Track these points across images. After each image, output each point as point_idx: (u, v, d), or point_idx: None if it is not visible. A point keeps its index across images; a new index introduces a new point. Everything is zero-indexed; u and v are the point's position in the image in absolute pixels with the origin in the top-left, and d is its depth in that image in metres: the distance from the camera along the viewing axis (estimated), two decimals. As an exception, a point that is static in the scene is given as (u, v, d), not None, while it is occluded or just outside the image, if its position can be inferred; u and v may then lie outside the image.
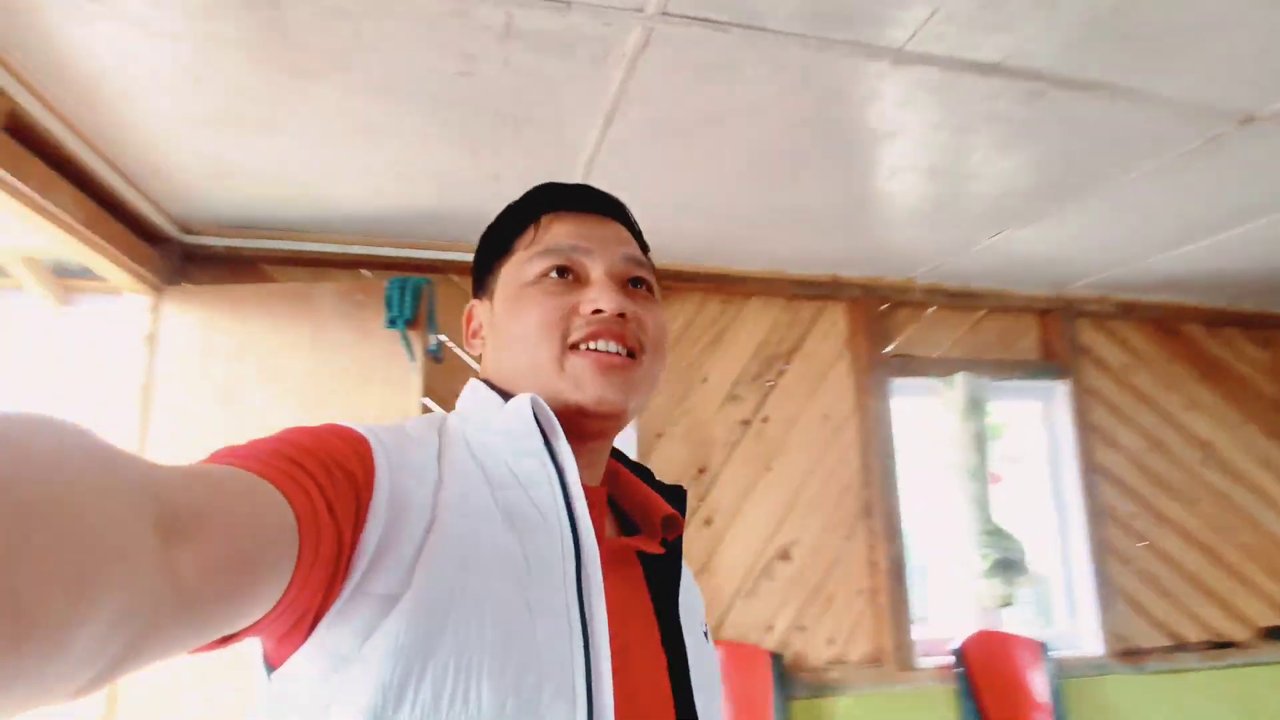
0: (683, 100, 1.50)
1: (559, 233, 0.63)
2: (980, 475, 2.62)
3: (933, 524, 2.89)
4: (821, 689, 2.38)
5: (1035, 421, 2.94)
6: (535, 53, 1.33)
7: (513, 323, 0.61)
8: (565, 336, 0.59)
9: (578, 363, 0.58)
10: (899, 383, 2.72)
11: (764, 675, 2.28)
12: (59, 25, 1.24)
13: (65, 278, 2.72)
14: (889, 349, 2.75)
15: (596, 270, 0.62)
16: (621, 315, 0.60)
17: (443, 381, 2.32)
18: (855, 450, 2.64)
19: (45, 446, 0.27)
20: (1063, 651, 2.55)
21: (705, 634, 0.67)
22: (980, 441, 2.64)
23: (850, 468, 2.63)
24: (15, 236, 2.07)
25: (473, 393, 0.63)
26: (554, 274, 0.61)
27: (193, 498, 0.34)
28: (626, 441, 2.40)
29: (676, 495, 0.68)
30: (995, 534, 2.57)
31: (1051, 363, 2.86)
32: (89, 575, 0.26)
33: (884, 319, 2.76)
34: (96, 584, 0.27)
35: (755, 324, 2.67)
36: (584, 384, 0.58)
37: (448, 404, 2.36)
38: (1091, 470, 2.76)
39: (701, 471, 2.51)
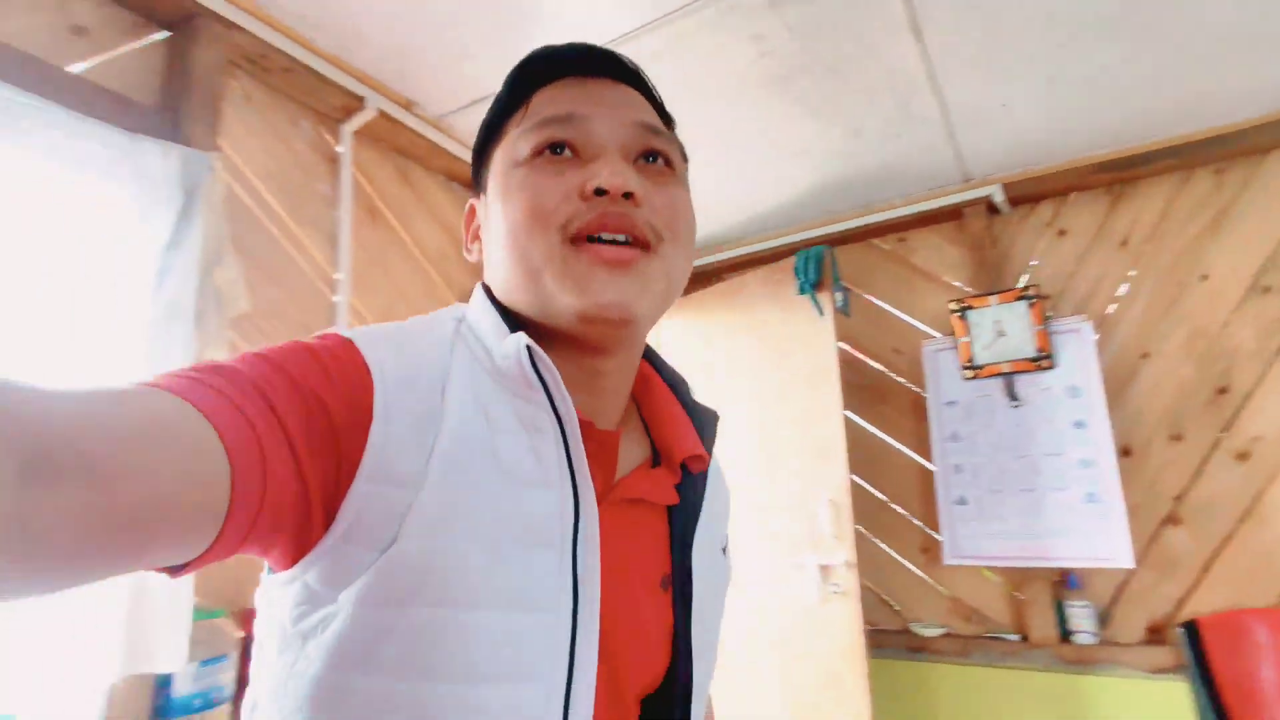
0: (973, -31, 1.41)
1: (555, 100, 0.53)
2: None
3: None
4: None
5: None
6: (804, 3, 1.49)
7: (502, 215, 0.51)
8: (565, 226, 0.49)
9: (579, 259, 0.49)
10: None
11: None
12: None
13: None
14: None
15: (600, 140, 0.51)
16: (628, 195, 0.49)
17: (852, 328, 2.49)
18: None
19: None
20: None
21: (724, 549, 0.63)
22: None
23: None
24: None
25: (479, 307, 0.54)
26: (548, 150, 0.51)
27: (81, 434, 0.30)
28: (1088, 364, 2.07)
29: (708, 418, 0.61)
30: None
31: None
32: None
33: None
34: None
35: (1280, 187, 1.96)
36: (586, 285, 0.48)
37: (860, 345, 2.49)
38: None
39: (1221, 392, 1.95)
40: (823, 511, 2.09)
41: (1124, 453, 2.02)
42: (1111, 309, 2.13)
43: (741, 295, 2.50)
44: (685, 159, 0.58)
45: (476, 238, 0.59)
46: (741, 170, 2.18)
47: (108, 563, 0.31)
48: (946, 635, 2.17)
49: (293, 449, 0.39)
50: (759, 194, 2.35)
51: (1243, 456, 1.90)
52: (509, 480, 0.46)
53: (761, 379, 2.38)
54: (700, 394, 0.63)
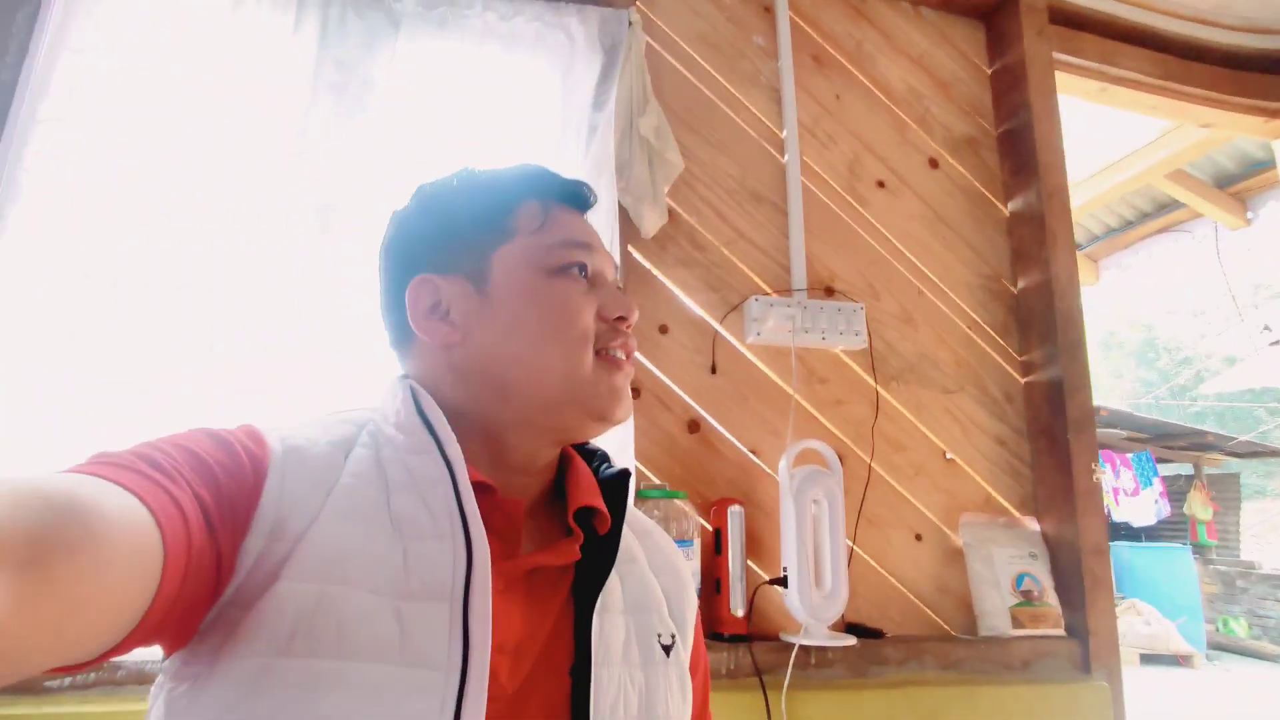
0: None
1: (573, 227, 0.59)
2: None
3: None
4: None
5: None
6: None
7: (543, 316, 0.55)
8: (595, 340, 0.57)
9: (603, 370, 0.56)
10: None
11: None
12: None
13: (1229, 187, 2.63)
14: None
15: (605, 273, 0.60)
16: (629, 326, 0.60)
17: None
18: None
19: None
20: None
21: (665, 646, 0.57)
22: None
23: None
24: (1132, 152, 2.23)
25: (393, 400, 0.56)
26: (576, 270, 0.57)
27: (22, 521, 0.31)
28: None
29: (619, 483, 0.60)
30: None
31: None
32: None
33: None
34: None
35: None
36: (615, 393, 0.56)
37: None
38: None
39: None
40: None
41: None
42: None
43: None
44: None
45: (442, 318, 0.57)
46: None
47: (47, 651, 0.32)
48: None
49: (210, 525, 0.42)
50: None
51: None
52: (399, 534, 0.48)
53: None
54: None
